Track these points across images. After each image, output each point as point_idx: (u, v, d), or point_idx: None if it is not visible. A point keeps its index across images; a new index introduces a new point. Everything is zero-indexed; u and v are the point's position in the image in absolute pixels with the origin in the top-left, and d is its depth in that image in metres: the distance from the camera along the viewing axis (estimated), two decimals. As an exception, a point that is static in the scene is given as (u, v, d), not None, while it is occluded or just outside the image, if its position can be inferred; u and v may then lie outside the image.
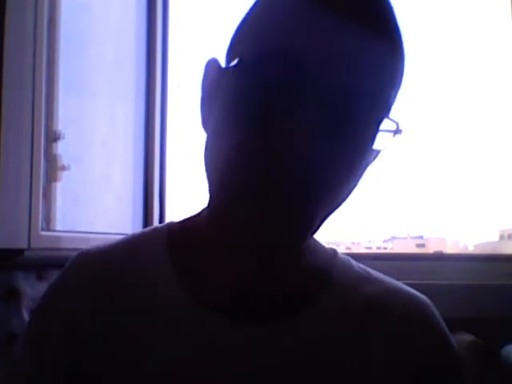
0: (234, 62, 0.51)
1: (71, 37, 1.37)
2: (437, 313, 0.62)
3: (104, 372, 0.56)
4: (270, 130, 0.49)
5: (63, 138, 1.31)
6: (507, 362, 1.41)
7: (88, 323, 0.58)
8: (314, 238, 0.63)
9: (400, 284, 0.64)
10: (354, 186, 0.55)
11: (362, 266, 0.64)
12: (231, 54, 0.55)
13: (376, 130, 0.51)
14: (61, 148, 1.31)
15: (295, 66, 0.48)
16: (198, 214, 0.63)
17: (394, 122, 0.51)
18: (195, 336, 0.55)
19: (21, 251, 1.11)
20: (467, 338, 1.46)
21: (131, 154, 1.77)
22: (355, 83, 0.49)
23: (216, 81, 0.55)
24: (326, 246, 0.65)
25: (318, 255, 0.62)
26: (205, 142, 0.56)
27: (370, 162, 0.56)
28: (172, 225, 0.65)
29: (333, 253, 0.64)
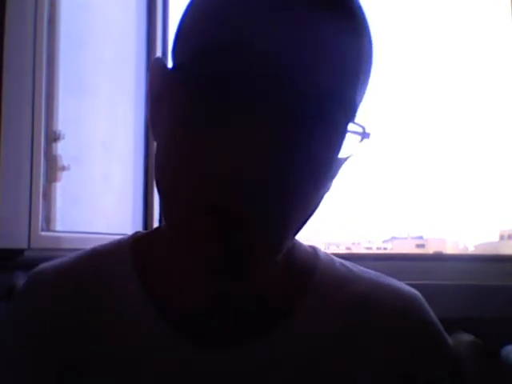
0: (178, 62, 0.47)
1: (71, 37, 1.37)
2: (426, 304, 0.58)
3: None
4: (217, 135, 0.43)
5: (63, 138, 1.31)
6: (507, 361, 1.41)
7: (52, 344, 0.55)
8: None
9: (385, 278, 0.60)
10: (323, 194, 0.50)
11: (344, 262, 0.60)
12: (175, 53, 0.49)
13: (342, 134, 0.46)
14: (61, 148, 1.31)
15: (241, 62, 0.42)
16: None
17: (360, 126, 0.46)
18: (161, 360, 0.52)
19: (21, 251, 1.11)
20: (467, 337, 1.46)
21: (131, 154, 1.77)
22: (321, 81, 0.43)
23: (162, 83, 0.49)
24: (306, 245, 0.61)
25: (298, 257, 0.58)
26: (156, 149, 0.50)
27: (339, 168, 0.51)
28: (138, 235, 0.61)
29: (313, 252, 0.60)
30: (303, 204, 0.47)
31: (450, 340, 0.59)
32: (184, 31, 0.49)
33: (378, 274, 0.61)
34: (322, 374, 0.53)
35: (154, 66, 0.51)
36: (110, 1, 1.66)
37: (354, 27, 0.46)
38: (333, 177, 0.50)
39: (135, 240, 0.60)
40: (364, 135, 0.46)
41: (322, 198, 0.50)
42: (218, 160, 0.43)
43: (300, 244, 0.60)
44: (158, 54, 1.85)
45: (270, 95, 0.42)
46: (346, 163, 0.51)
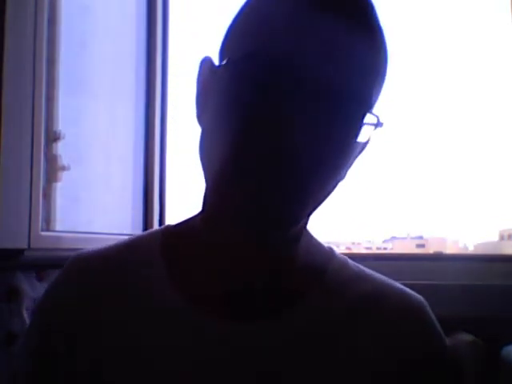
0: (224, 62, 0.54)
1: (71, 37, 1.37)
2: (431, 312, 0.62)
3: (100, 371, 0.57)
4: (256, 128, 0.51)
5: (63, 138, 1.31)
6: (507, 362, 1.41)
7: (85, 324, 0.59)
8: (312, 236, 0.64)
9: (395, 283, 0.63)
10: (341, 179, 0.57)
11: (359, 265, 0.64)
12: (223, 52, 0.58)
13: (360, 124, 0.54)
14: (61, 148, 1.31)
15: (281, 65, 0.50)
16: (195, 216, 0.64)
17: (376, 116, 0.54)
18: (188, 338, 0.56)
19: (21, 251, 1.11)
20: (467, 337, 1.46)
21: (131, 154, 1.77)
22: (340, 81, 0.51)
23: (209, 79, 0.58)
24: (325, 245, 0.65)
25: (315, 254, 0.63)
26: (199, 138, 0.58)
27: (356, 155, 0.58)
28: (168, 227, 0.66)
29: (330, 252, 0.64)
30: (322, 185, 0.54)
31: (448, 342, 0.61)
32: (232, 37, 0.57)
33: (389, 279, 0.64)
34: (338, 348, 0.57)
35: (204, 63, 0.60)
36: (110, 1, 1.66)
37: (374, 36, 0.54)
38: (348, 165, 0.57)
39: (164, 230, 0.65)
40: (378, 124, 0.54)
41: (336, 184, 0.57)
42: (256, 140, 0.51)
43: (319, 242, 0.65)
44: (158, 53, 1.85)
45: (299, 92, 0.50)
46: (360, 153, 0.59)
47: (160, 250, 0.62)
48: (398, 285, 0.63)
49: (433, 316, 0.61)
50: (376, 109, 0.56)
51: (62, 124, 1.31)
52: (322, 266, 0.62)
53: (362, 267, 0.64)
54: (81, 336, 0.59)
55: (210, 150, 0.56)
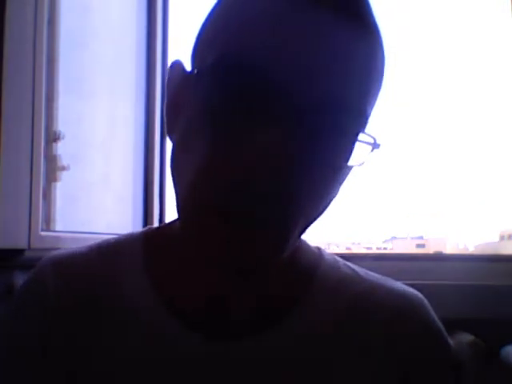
0: (196, 69, 0.49)
1: (71, 37, 1.37)
2: (428, 306, 0.59)
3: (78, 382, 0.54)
4: (229, 144, 0.45)
5: (63, 138, 1.31)
6: (507, 362, 1.41)
7: (59, 334, 0.55)
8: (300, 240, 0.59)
9: (390, 281, 0.61)
10: (331, 199, 0.51)
11: (349, 264, 0.61)
12: (195, 57, 0.51)
13: (353, 144, 0.47)
14: (61, 148, 1.31)
15: (264, 73, 0.43)
16: (176, 220, 0.60)
17: (371, 136, 0.47)
18: (167, 352, 0.53)
19: (21, 251, 1.11)
20: (467, 338, 1.46)
21: (131, 154, 1.77)
22: (332, 91, 0.44)
23: (180, 85, 0.51)
24: (312, 245, 0.62)
25: (302, 256, 0.59)
26: (171, 150, 0.51)
27: (347, 175, 0.52)
28: (149, 231, 0.62)
29: (318, 252, 0.61)
30: (311, 207, 0.48)
31: (450, 341, 0.59)
32: (204, 38, 0.50)
33: (384, 277, 0.61)
34: (336, 351, 0.54)
35: (174, 68, 0.53)
36: (110, 1, 1.66)
37: (370, 42, 0.47)
38: (341, 183, 0.51)
39: (146, 235, 0.61)
40: (374, 146, 0.48)
41: (330, 202, 0.51)
42: (231, 163, 0.44)
43: (306, 244, 0.61)
44: (158, 53, 1.85)
45: (282, 105, 0.43)
46: (354, 170, 0.52)
47: (142, 257, 0.58)
48: (394, 283, 0.61)
49: (433, 313, 0.59)
50: (371, 126, 0.49)
51: (61, 124, 1.31)
52: (312, 267, 0.59)
53: (353, 266, 0.61)
54: (55, 347, 0.55)
55: (181, 169, 0.49)
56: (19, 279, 1.14)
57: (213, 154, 0.45)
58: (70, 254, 0.60)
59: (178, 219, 0.58)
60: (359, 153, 0.48)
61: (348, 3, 0.46)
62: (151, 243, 0.60)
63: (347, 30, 0.45)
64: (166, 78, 0.54)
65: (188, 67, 0.52)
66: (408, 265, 1.66)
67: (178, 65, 0.53)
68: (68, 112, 1.35)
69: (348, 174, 0.51)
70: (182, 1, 2.05)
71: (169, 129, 0.53)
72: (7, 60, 1.05)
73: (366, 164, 0.49)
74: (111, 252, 0.60)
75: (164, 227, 0.62)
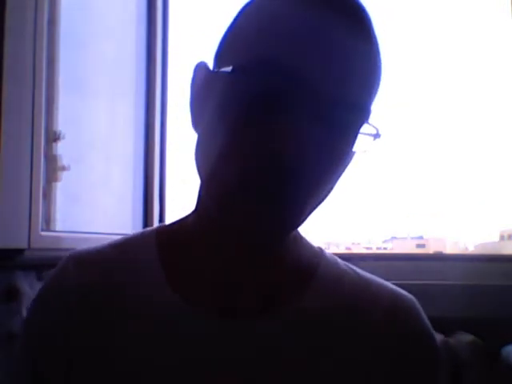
0: (228, 68, 0.53)
1: (71, 36, 1.37)
2: (422, 312, 0.62)
3: (97, 371, 0.57)
4: (258, 133, 0.51)
5: (63, 138, 1.31)
6: (507, 362, 1.41)
7: (80, 324, 0.59)
8: (301, 237, 0.64)
9: (386, 283, 0.64)
10: (334, 185, 0.57)
11: (349, 265, 0.65)
12: (222, 57, 0.57)
13: (356, 134, 0.54)
14: (61, 148, 1.31)
15: (286, 74, 0.50)
16: (186, 217, 0.64)
17: (374, 127, 0.54)
18: (185, 336, 0.57)
19: (21, 251, 1.11)
20: (467, 338, 1.46)
21: (131, 154, 1.77)
22: (342, 90, 0.51)
23: (205, 84, 0.57)
24: (314, 244, 0.66)
25: (305, 254, 0.63)
26: (196, 142, 0.58)
27: (349, 163, 0.58)
28: (161, 227, 0.66)
29: (319, 251, 0.65)
30: (319, 189, 0.54)
31: (438, 342, 0.62)
32: (231, 39, 0.56)
33: (379, 278, 0.64)
34: (330, 348, 0.58)
35: (199, 68, 0.59)
36: (110, 1, 1.66)
37: (370, 45, 0.54)
38: (344, 169, 0.57)
39: (158, 230, 0.65)
40: (376, 135, 0.54)
41: (333, 186, 0.57)
42: (254, 150, 0.50)
43: (308, 242, 0.65)
44: (158, 53, 1.85)
45: (304, 101, 0.50)
46: (354, 160, 0.58)
47: (156, 250, 0.62)
48: (388, 284, 0.64)
49: (424, 315, 0.62)
50: (373, 118, 0.57)
51: (61, 124, 1.31)
52: (312, 265, 0.62)
53: (352, 266, 0.65)
54: (78, 336, 0.59)
55: (207, 159, 0.55)
56: (19, 279, 1.14)
57: (237, 144, 0.51)
58: (88, 251, 0.65)
59: (188, 215, 0.64)
60: (363, 142, 0.55)
61: (352, 10, 0.53)
62: (164, 237, 0.64)
63: (356, 36, 0.52)
64: (191, 77, 0.60)
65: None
66: (408, 265, 1.66)
67: (203, 65, 0.59)
68: (68, 112, 1.35)
69: (350, 160, 0.57)
70: (182, 1, 2.05)
71: (194, 122, 0.59)
72: (7, 60, 1.05)
73: (369, 151, 0.56)
74: (127, 246, 0.65)
75: (175, 223, 0.66)
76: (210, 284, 0.59)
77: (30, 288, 1.16)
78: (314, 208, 0.56)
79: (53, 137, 1.28)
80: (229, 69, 0.53)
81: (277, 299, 0.59)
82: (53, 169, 1.28)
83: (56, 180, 1.29)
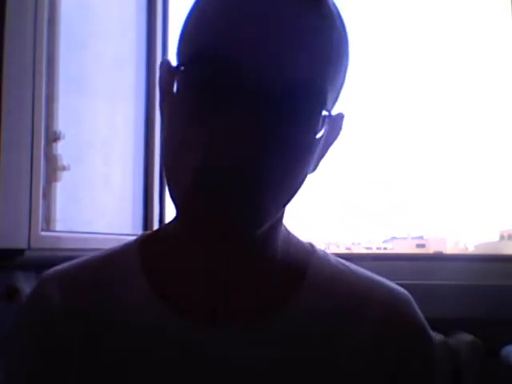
0: (175, 65, 0.54)
1: (71, 37, 1.37)
2: (417, 309, 0.61)
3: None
4: (206, 131, 0.49)
5: (63, 138, 1.31)
6: (507, 362, 1.41)
7: (64, 340, 0.58)
8: (290, 234, 0.63)
9: (379, 278, 0.63)
10: (308, 172, 0.55)
11: (340, 260, 0.63)
12: (179, 54, 0.56)
13: (318, 118, 0.51)
14: (61, 148, 1.31)
15: (229, 66, 0.48)
16: (170, 222, 0.63)
17: (329, 112, 0.52)
18: (172, 345, 0.56)
19: (21, 251, 1.11)
20: (467, 338, 1.46)
21: (131, 154, 1.77)
22: (296, 78, 0.49)
23: (168, 82, 0.56)
24: (304, 241, 0.64)
25: (294, 251, 0.62)
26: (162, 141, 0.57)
27: (313, 151, 0.55)
28: (144, 235, 0.65)
29: (310, 248, 0.63)
30: (284, 182, 0.52)
31: (434, 340, 0.61)
32: (184, 34, 0.55)
33: (374, 274, 0.63)
34: (326, 348, 0.56)
35: (162, 66, 0.59)
36: (110, 1, 1.66)
37: (325, 28, 0.52)
38: (312, 157, 0.54)
39: (141, 241, 0.64)
40: (331, 118, 0.53)
41: (304, 177, 0.55)
42: (204, 146, 0.49)
43: (298, 239, 0.63)
44: (158, 53, 1.85)
45: (244, 90, 0.48)
46: (331, 144, 0.58)
47: (140, 259, 0.61)
48: (383, 280, 0.62)
49: (419, 312, 0.61)
50: (336, 102, 0.56)
51: (61, 124, 1.31)
52: (303, 264, 0.61)
53: (344, 262, 0.63)
54: (67, 352, 0.57)
55: (164, 159, 0.54)
56: (19, 279, 1.14)
57: (192, 136, 0.50)
58: (69, 266, 0.63)
59: (172, 220, 0.61)
60: (322, 127, 0.52)
61: (307, 4, 0.50)
62: (148, 245, 0.63)
63: (304, 18, 0.50)
64: (157, 75, 0.59)
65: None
66: (408, 265, 1.66)
67: (166, 63, 0.58)
68: (68, 112, 1.35)
69: (316, 148, 0.54)
70: (182, 2, 2.05)
71: (161, 118, 0.59)
72: (7, 60, 1.05)
73: (341, 132, 0.56)
74: (109, 259, 0.63)
75: (158, 230, 0.65)
76: (195, 290, 0.58)
77: (30, 288, 1.16)
78: (288, 197, 0.54)
79: (53, 137, 1.28)
80: (176, 66, 0.53)
81: (267, 302, 0.58)
82: (53, 169, 1.28)
83: (56, 180, 1.29)
